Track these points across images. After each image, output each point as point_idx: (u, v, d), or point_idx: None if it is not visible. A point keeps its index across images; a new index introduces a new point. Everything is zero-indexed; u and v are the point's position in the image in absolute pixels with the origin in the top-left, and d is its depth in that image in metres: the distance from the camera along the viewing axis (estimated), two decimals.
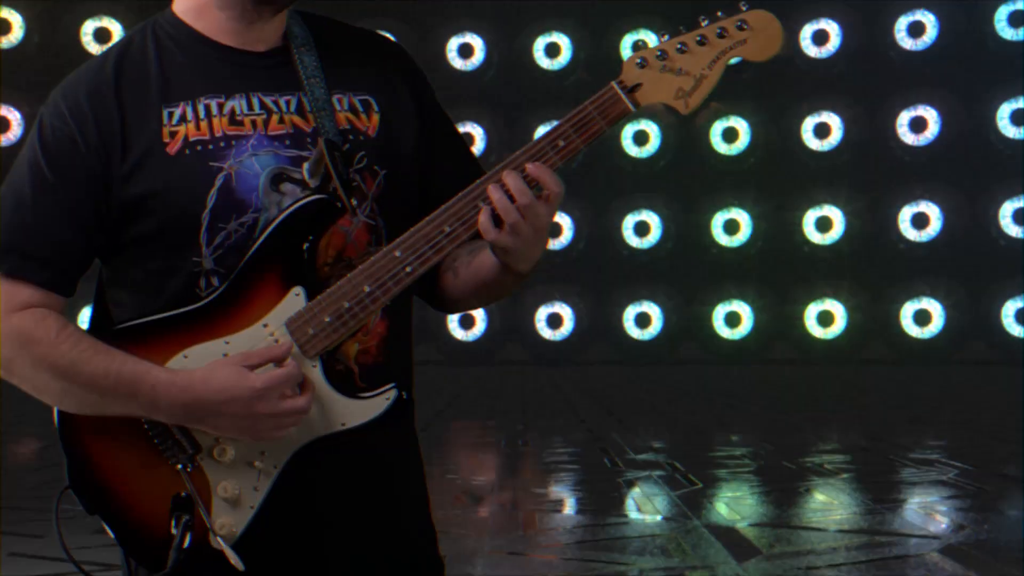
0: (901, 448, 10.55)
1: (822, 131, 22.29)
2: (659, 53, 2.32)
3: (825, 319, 22.15)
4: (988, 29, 22.48)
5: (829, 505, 7.66)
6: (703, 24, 2.31)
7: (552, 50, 22.66)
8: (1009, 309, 21.80)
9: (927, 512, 7.45)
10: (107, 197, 2.37)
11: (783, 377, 19.78)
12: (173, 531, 2.30)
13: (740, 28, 2.28)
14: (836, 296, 22.17)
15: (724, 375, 19.93)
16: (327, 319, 2.31)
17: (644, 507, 7.65)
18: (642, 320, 22.22)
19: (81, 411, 2.35)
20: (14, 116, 22.51)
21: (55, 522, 2.45)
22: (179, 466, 2.33)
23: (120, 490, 2.35)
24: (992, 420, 12.94)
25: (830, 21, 22.93)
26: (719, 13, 2.29)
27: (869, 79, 22.28)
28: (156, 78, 2.40)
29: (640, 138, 22.61)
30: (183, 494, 2.32)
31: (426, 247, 2.32)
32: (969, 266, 22.03)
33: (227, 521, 2.32)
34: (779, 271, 22.41)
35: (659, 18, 22.92)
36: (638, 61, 2.32)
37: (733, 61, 2.32)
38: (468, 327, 20.65)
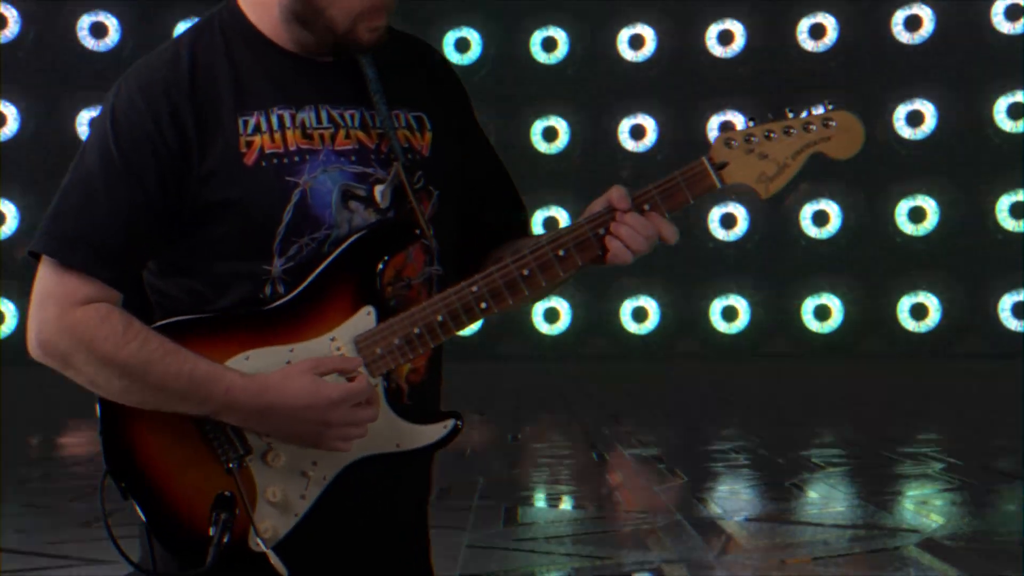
0: (896, 442, 10.55)
1: None
2: (748, 137, 2.43)
3: (822, 313, 22.15)
4: (985, 23, 22.46)
5: (823, 500, 7.66)
6: (790, 116, 2.44)
7: (549, 44, 22.67)
8: (1006, 303, 21.79)
9: (921, 506, 7.44)
10: (180, 196, 2.37)
11: (779, 371, 19.78)
12: (211, 530, 2.32)
13: (826, 125, 2.42)
14: (833, 290, 22.16)
15: (720, 370, 19.93)
16: (396, 341, 2.37)
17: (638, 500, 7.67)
18: (638, 314, 22.27)
19: (141, 407, 2.36)
20: (10, 111, 22.49)
21: (100, 503, 2.47)
22: (229, 465, 2.36)
23: (162, 481, 2.37)
24: (989, 414, 12.95)
25: (827, 15, 22.93)
26: (809, 109, 2.42)
27: (865, 73, 22.26)
28: (230, 83, 2.41)
29: (637, 132, 22.60)
30: (227, 493, 2.35)
31: (504, 287, 2.38)
32: (966, 260, 22.02)
33: (271, 524, 2.36)
34: (776, 265, 22.40)
35: (656, 13, 22.93)
36: (727, 141, 2.44)
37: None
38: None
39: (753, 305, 22.25)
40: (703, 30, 22.97)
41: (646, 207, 2.40)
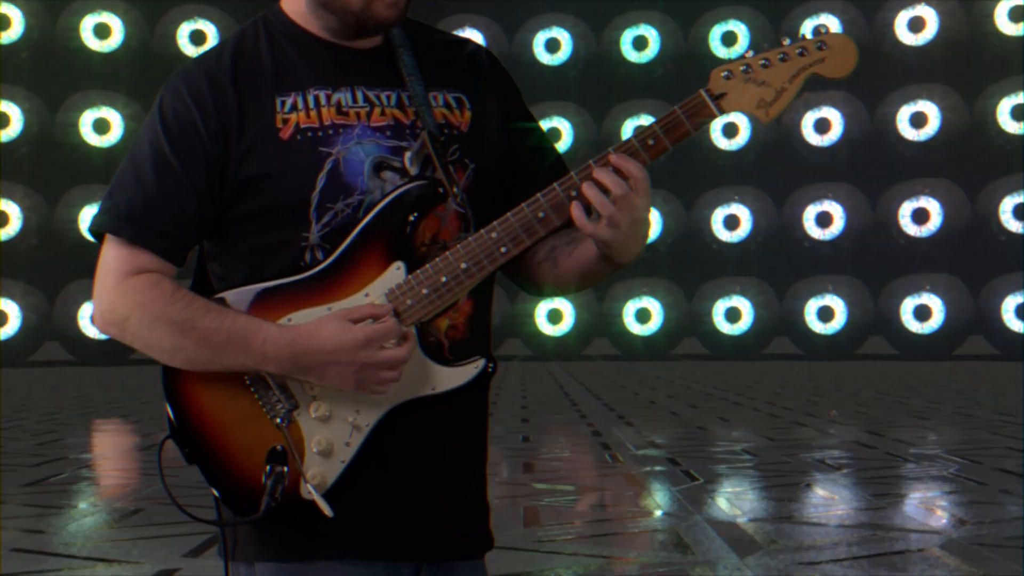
0: (904, 444, 10.56)
1: (822, 126, 22.28)
2: (744, 67, 2.50)
3: (825, 314, 22.16)
4: (988, 24, 22.49)
5: (829, 500, 7.67)
6: (785, 43, 2.51)
7: (552, 45, 22.68)
8: (1009, 304, 21.81)
9: (928, 507, 7.46)
10: (222, 176, 2.53)
11: (781, 372, 19.80)
12: (265, 480, 2.46)
13: (819, 48, 2.50)
14: (836, 291, 22.17)
15: (723, 371, 19.94)
16: (424, 291, 2.49)
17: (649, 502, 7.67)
18: (642, 315, 22.27)
19: (191, 367, 2.51)
20: (14, 112, 22.50)
21: (159, 470, 2.61)
22: (277, 420, 2.48)
23: (219, 441, 2.51)
24: (992, 415, 12.96)
25: (830, 16, 22.95)
26: (801, 34, 2.50)
27: (869, 74, 22.29)
28: (269, 69, 2.58)
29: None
30: (279, 447, 2.48)
31: (521, 231, 2.50)
32: (969, 261, 22.05)
33: (318, 472, 2.47)
34: (779, 266, 22.40)
35: (659, 14, 22.95)
36: (724, 73, 2.50)
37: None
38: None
39: (756, 306, 22.27)
40: (707, 31, 23.01)
41: (650, 142, 2.47)
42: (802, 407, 14.14)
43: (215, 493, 2.52)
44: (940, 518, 6.99)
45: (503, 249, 2.49)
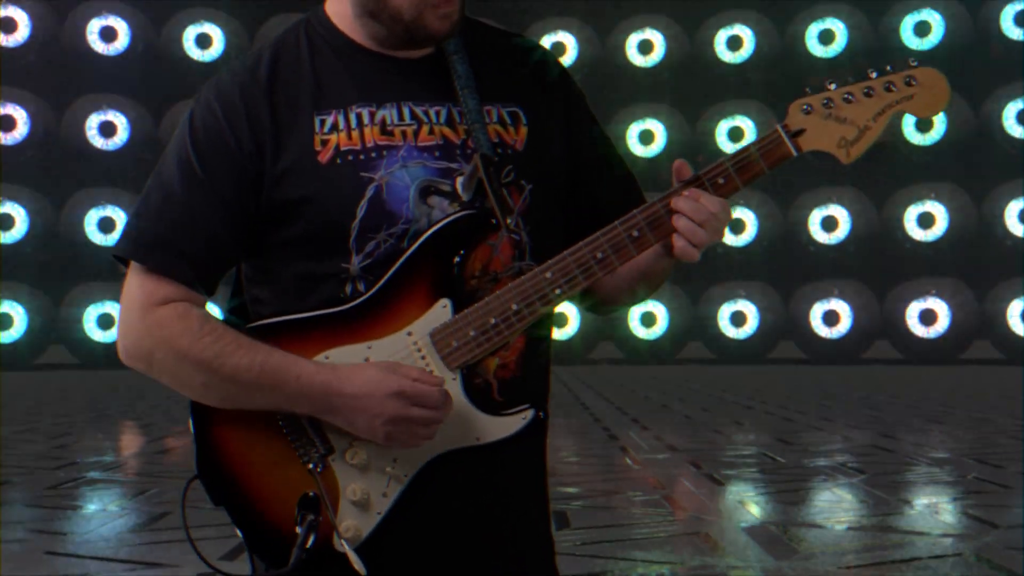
0: (919, 446, 10.57)
1: None
2: (825, 101, 2.34)
3: (830, 318, 22.17)
4: (994, 28, 22.51)
5: (855, 504, 7.67)
6: (871, 76, 2.35)
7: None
8: (1015, 308, 21.83)
9: (956, 511, 7.45)
10: (256, 197, 2.38)
11: (787, 376, 19.80)
12: (298, 530, 2.32)
13: (908, 84, 2.35)
14: (841, 295, 22.18)
15: (729, 375, 19.93)
16: (472, 333, 2.34)
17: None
18: (647, 319, 22.28)
19: (223, 405, 2.36)
20: (20, 115, 22.47)
21: (181, 509, 2.47)
22: (310, 465, 2.35)
23: (248, 484, 2.37)
24: (1001, 419, 12.96)
25: (836, 21, 22.96)
26: (888, 68, 2.34)
27: None
28: (309, 83, 2.41)
29: (645, 137, 22.60)
30: (311, 494, 2.34)
31: (577, 271, 2.34)
32: (975, 265, 22.07)
33: (352, 524, 2.34)
34: (783, 270, 22.41)
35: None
36: (804, 107, 2.35)
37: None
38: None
39: (761, 310, 22.29)
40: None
41: (720, 180, 2.34)
42: (816, 411, 14.13)
43: (240, 535, 2.39)
44: (971, 522, 6.99)
45: (557, 291, 2.33)
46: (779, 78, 22.62)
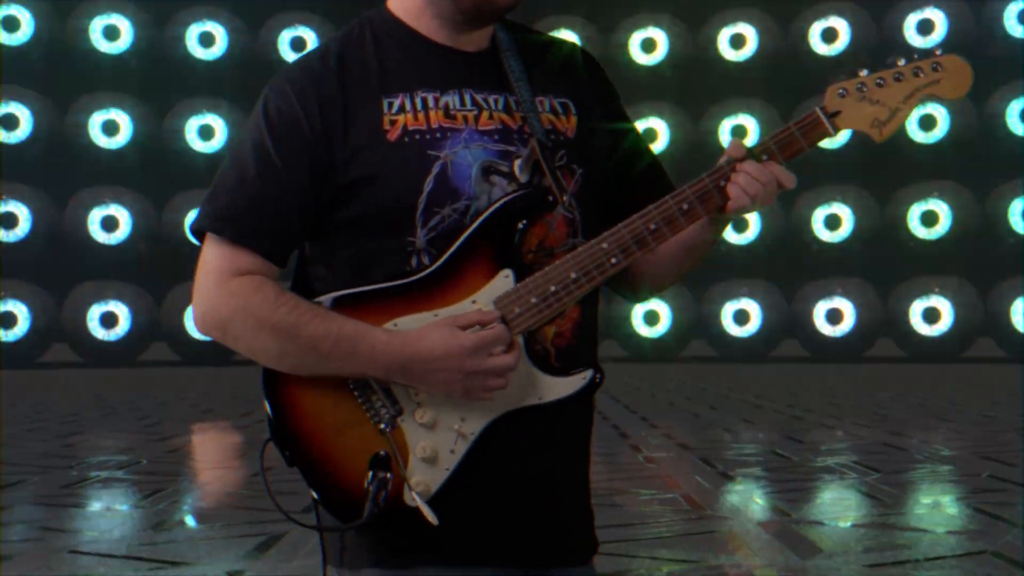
0: (929, 445, 10.58)
1: None
2: (859, 85, 2.54)
3: (834, 317, 22.18)
4: (997, 27, 22.53)
5: (872, 502, 7.68)
6: (900, 63, 2.55)
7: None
8: (1018, 306, 21.83)
9: (975, 509, 7.47)
10: (327, 178, 2.49)
11: (791, 374, 19.82)
12: (368, 486, 2.44)
13: (935, 69, 2.54)
14: (845, 294, 22.19)
15: (733, 373, 19.94)
16: (533, 300, 2.47)
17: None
18: (650, 318, 22.29)
19: (296, 371, 2.48)
20: (23, 113, 22.44)
21: (261, 472, 2.58)
22: (381, 426, 2.47)
23: (321, 446, 2.48)
24: (1008, 417, 12.98)
25: (839, 18, 22.97)
26: (915, 56, 2.55)
27: None
28: (376, 70, 2.54)
29: (647, 136, 22.61)
30: (382, 453, 2.46)
31: (631, 241, 2.50)
32: (978, 264, 22.08)
33: (423, 479, 2.46)
34: (787, 269, 22.43)
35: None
36: (839, 91, 2.55)
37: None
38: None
39: (765, 308, 22.29)
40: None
41: (764, 157, 2.52)
42: (823, 409, 14.15)
43: (315, 496, 2.50)
44: (989, 520, 7.00)
45: (613, 260, 2.47)
46: (782, 76, 22.66)
